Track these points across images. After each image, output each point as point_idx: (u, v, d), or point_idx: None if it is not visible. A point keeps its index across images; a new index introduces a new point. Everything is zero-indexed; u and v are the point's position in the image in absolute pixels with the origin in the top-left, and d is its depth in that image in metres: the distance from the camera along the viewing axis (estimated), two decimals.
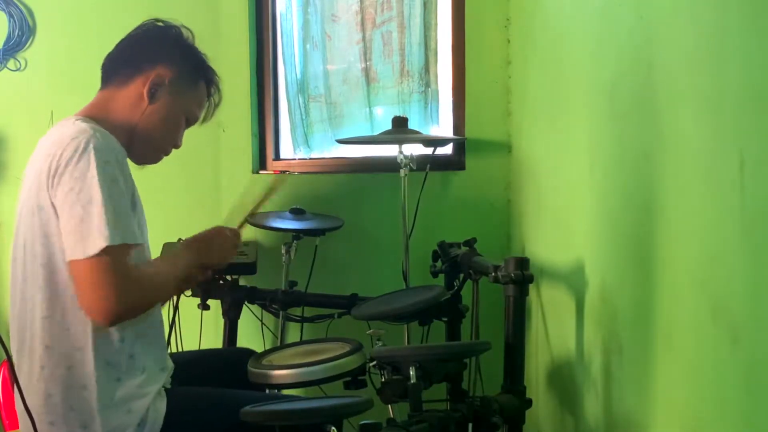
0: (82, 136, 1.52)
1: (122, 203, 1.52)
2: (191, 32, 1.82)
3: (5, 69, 2.92)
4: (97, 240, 1.45)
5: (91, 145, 1.51)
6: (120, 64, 1.74)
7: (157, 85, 1.71)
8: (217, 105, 1.88)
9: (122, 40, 1.77)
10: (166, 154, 1.83)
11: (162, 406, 1.60)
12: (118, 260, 1.48)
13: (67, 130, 1.56)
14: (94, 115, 1.66)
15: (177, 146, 1.83)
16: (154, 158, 1.81)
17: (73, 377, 1.53)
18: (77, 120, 1.62)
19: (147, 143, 1.74)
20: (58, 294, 1.53)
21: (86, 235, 1.46)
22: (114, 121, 1.67)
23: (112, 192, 1.49)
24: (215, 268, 1.88)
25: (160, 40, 1.77)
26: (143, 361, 1.60)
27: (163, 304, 1.80)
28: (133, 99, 1.70)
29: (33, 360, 1.55)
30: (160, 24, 1.79)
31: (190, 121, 1.83)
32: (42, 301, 1.54)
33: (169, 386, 1.69)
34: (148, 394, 1.58)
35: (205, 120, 1.88)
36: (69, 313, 1.53)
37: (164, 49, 1.75)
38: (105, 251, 1.45)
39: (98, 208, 1.47)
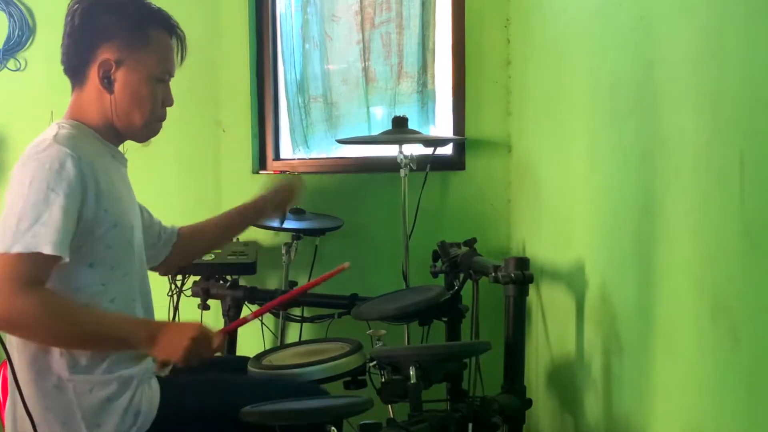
0: (43, 143, 1.51)
1: (50, 212, 1.44)
2: None
3: (5, 69, 2.92)
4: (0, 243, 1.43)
5: (45, 151, 1.48)
6: (71, 65, 1.66)
7: (107, 71, 1.62)
8: (183, 39, 1.73)
9: (62, 39, 1.67)
10: (162, 119, 1.73)
11: (155, 395, 1.59)
12: (18, 268, 1.42)
13: (45, 133, 1.56)
14: (76, 118, 1.64)
15: (168, 105, 1.73)
16: (151, 132, 1.73)
17: (44, 380, 1.52)
18: (57, 123, 1.61)
19: (133, 126, 1.67)
20: None
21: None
22: (92, 123, 1.64)
23: (39, 200, 1.44)
24: (172, 362, 1.63)
25: (89, 21, 1.63)
26: (118, 355, 1.57)
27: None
28: (95, 95, 1.64)
29: (11, 364, 1.54)
30: (77, 3, 1.65)
31: (164, 78, 1.70)
32: None
33: (163, 375, 1.68)
34: (140, 384, 1.57)
35: (182, 60, 1.74)
36: None
37: (96, 26, 1.63)
38: (3, 256, 1.41)
39: (16, 212, 1.43)
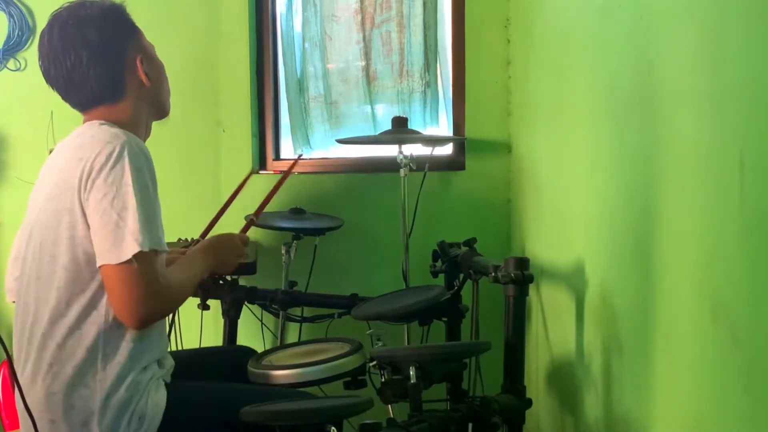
0: (116, 141, 1.54)
1: (153, 210, 1.55)
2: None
3: (5, 69, 2.92)
4: (131, 246, 1.48)
5: (126, 151, 1.52)
6: (107, 85, 1.67)
7: (143, 66, 1.71)
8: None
9: (74, 71, 1.64)
10: None
11: (161, 400, 1.60)
12: (149, 266, 1.51)
13: (100, 134, 1.57)
14: (114, 121, 1.66)
15: None
16: (169, 98, 1.84)
17: (79, 376, 1.54)
18: (103, 124, 1.62)
19: (166, 99, 1.82)
20: (77, 295, 1.54)
21: (120, 240, 1.48)
22: (133, 119, 1.69)
23: (144, 199, 1.52)
24: (221, 273, 1.95)
25: (106, 34, 1.66)
26: (145, 359, 1.61)
27: None
28: (134, 97, 1.71)
29: (40, 358, 1.56)
30: (75, 28, 1.63)
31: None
32: (59, 301, 1.55)
33: (169, 380, 1.69)
34: (147, 389, 1.59)
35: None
36: (84, 314, 1.54)
37: (114, 34, 1.67)
38: (137, 257, 1.48)
39: (132, 214, 1.49)
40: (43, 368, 1.55)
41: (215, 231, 2.11)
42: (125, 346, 1.57)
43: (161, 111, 1.82)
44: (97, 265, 1.51)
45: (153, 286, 1.52)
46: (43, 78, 1.72)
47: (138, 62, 1.70)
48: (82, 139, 1.60)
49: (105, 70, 1.66)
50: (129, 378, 1.57)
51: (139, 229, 1.49)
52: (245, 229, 2.06)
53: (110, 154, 1.52)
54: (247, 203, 2.73)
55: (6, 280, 1.70)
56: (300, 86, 2.92)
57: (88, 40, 1.63)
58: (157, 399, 1.60)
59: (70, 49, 1.63)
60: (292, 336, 2.68)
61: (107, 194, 1.50)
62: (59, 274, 1.55)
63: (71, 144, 1.63)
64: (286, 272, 2.55)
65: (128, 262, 1.48)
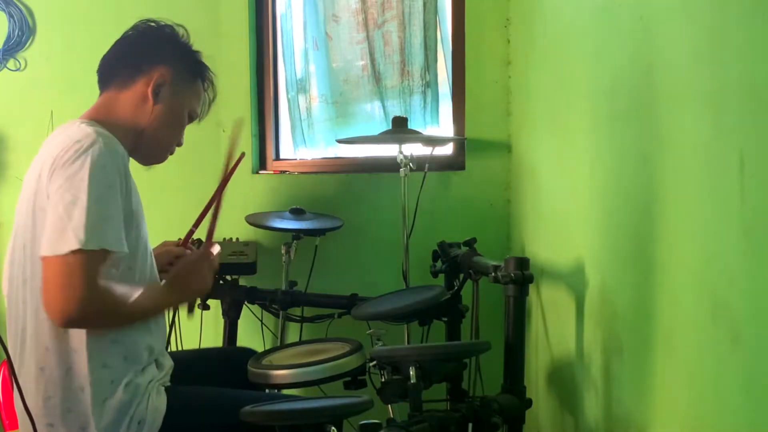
0: (86, 139, 1.52)
1: (111, 209, 1.49)
2: (186, 30, 1.83)
3: (5, 69, 2.92)
4: (71, 240, 1.43)
5: (91, 149, 1.50)
6: (118, 66, 1.74)
7: (160, 86, 1.71)
8: (212, 101, 1.88)
9: (118, 42, 1.78)
10: (172, 153, 1.84)
11: (161, 405, 1.60)
12: (89, 265, 1.44)
13: (72, 133, 1.56)
14: (100, 118, 1.66)
15: (180, 144, 1.84)
16: (161, 157, 1.82)
17: (71, 379, 1.53)
18: (82, 123, 1.62)
19: (155, 143, 1.76)
20: None
21: (62, 233, 1.44)
22: (120, 123, 1.68)
23: (101, 196, 1.47)
24: (197, 298, 1.86)
25: (158, 41, 1.77)
26: (141, 362, 1.60)
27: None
28: (137, 100, 1.71)
29: (31, 362, 1.55)
30: (154, 24, 1.79)
31: (191, 118, 1.84)
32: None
33: (168, 384, 1.69)
34: (147, 393, 1.58)
35: (201, 117, 1.87)
36: None
37: (162, 49, 1.76)
38: (76, 253, 1.42)
39: (80, 210, 1.44)
40: (34, 372, 1.55)
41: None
42: (113, 347, 1.56)
43: (144, 154, 1.77)
44: (40, 254, 1.47)
45: (89, 287, 1.44)
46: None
47: (156, 77, 1.71)
48: (57, 138, 1.59)
49: (131, 57, 1.74)
50: (125, 379, 1.56)
51: (85, 225, 1.43)
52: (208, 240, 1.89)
53: (77, 151, 1.50)
54: (248, 203, 2.74)
55: (3, 285, 1.69)
56: (300, 86, 2.92)
57: (146, 33, 1.78)
58: (158, 403, 1.59)
59: (133, 32, 1.78)
60: (292, 336, 2.68)
61: (62, 186, 1.47)
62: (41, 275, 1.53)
63: (50, 143, 1.62)
64: (286, 272, 2.55)
65: (65, 256, 1.42)
